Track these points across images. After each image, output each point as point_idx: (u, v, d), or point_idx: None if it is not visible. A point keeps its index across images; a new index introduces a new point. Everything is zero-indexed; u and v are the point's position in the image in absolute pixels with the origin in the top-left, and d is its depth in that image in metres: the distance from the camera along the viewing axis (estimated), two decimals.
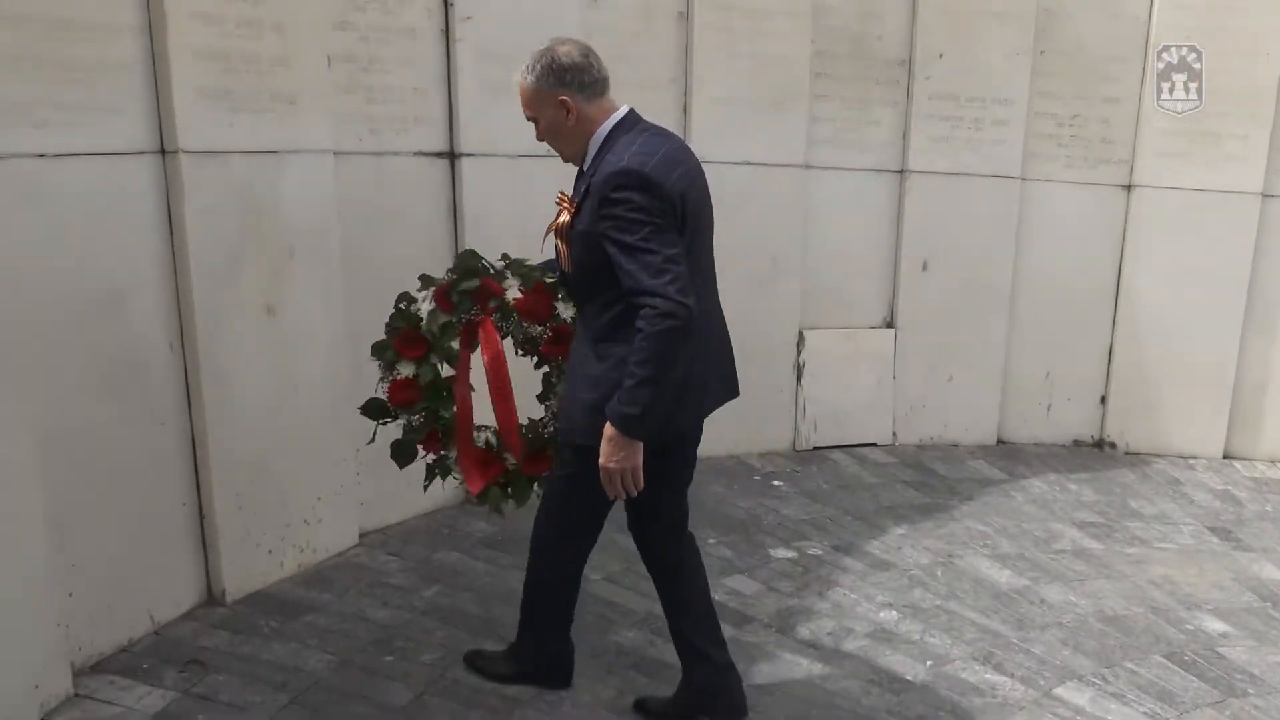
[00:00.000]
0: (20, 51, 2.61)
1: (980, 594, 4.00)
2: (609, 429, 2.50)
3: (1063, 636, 3.71)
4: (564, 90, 2.59)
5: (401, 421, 2.98)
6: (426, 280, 2.94)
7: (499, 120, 4.23)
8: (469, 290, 2.88)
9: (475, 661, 3.13)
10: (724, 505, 4.70)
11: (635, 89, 4.78)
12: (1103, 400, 5.98)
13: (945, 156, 5.50)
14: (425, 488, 3.09)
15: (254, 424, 3.37)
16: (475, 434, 3.03)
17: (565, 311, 2.98)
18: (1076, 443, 6.02)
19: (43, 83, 2.68)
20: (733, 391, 2.89)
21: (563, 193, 2.74)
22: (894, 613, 3.77)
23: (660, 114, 4.83)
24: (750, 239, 5.17)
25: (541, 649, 3.06)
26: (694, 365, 2.62)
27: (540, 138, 2.74)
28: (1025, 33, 5.45)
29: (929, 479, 5.30)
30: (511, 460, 3.02)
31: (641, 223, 2.45)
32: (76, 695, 2.81)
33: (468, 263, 2.92)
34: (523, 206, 4.34)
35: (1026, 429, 6.00)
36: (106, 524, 2.98)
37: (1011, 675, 3.41)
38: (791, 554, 4.22)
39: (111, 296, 2.94)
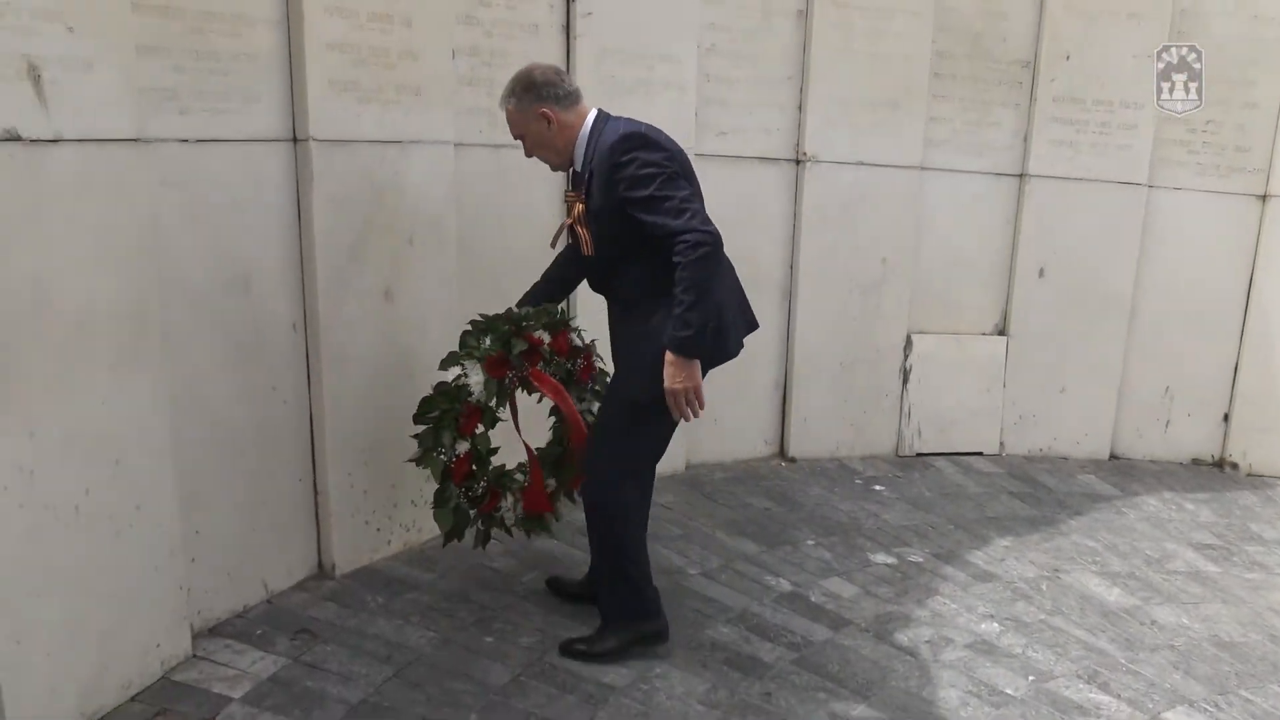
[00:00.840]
0: (169, 41, 2.75)
1: (1087, 611, 3.89)
2: (669, 356, 2.83)
3: (1174, 660, 3.59)
4: (543, 104, 2.93)
5: (455, 495, 3.20)
6: (453, 356, 3.13)
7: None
8: (523, 351, 3.17)
9: (573, 647, 3.18)
10: (824, 507, 4.66)
11: (750, 86, 4.80)
12: (1225, 418, 5.75)
13: (1068, 161, 5.35)
14: (476, 544, 3.37)
15: (369, 405, 3.48)
16: (519, 476, 3.41)
17: (579, 339, 3.38)
18: (1195, 461, 5.80)
19: (187, 71, 2.82)
20: (752, 324, 3.21)
21: (567, 191, 3.08)
22: (996, 625, 3.70)
23: (775, 111, 4.87)
24: (861, 240, 5.13)
25: (640, 611, 3.18)
26: (724, 295, 2.97)
27: (529, 153, 3.07)
28: (1159, 34, 5.25)
29: (1036, 491, 5.17)
30: (550, 482, 3.42)
31: (652, 176, 2.79)
32: (195, 656, 2.95)
33: (497, 328, 3.16)
34: None
35: (1142, 445, 5.80)
36: (228, 495, 3.12)
37: (1118, 696, 3.31)
38: (891, 560, 4.17)
39: (241, 277, 3.07)
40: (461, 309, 3.65)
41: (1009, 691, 3.27)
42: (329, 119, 3.19)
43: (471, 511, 3.24)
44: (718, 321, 2.93)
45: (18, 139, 2.23)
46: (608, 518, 3.08)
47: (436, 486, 3.17)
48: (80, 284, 2.44)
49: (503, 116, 3.39)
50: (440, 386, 3.13)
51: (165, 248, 2.77)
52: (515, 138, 3.04)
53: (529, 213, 4.10)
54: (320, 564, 3.51)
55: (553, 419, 3.50)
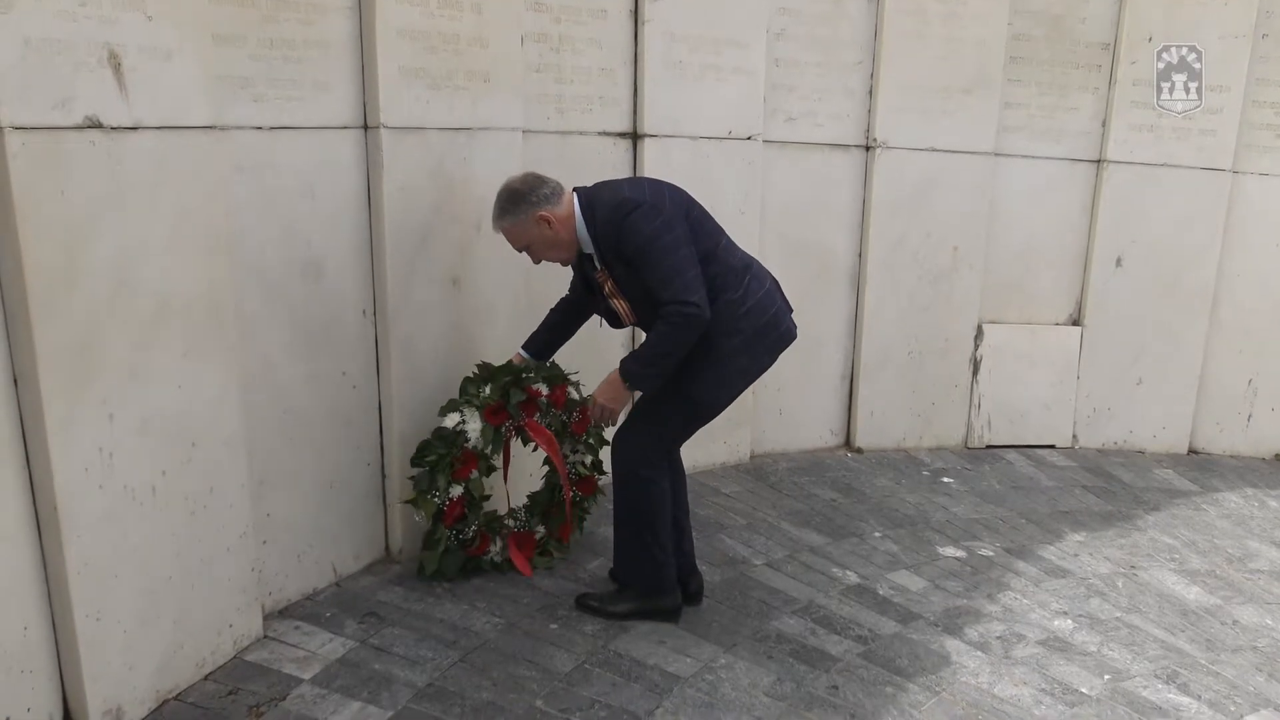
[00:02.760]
0: (244, 29, 2.78)
1: (1165, 609, 3.78)
2: (613, 375, 3.05)
3: (1257, 661, 3.47)
4: (535, 208, 2.99)
5: (445, 538, 3.36)
6: (453, 403, 3.32)
7: (682, 102, 4.27)
8: (520, 401, 3.36)
9: (587, 602, 3.33)
10: (891, 499, 4.60)
11: (820, 71, 4.74)
12: None
13: (1148, 146, 5.20)
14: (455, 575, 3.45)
15: (436, 391, 3.49)
16: (508, 521, 3.60)
17: (577, 393, 3.54)
18: (1278, 457, 5.61)
19: (262, 60, 2.84)
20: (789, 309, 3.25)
21: (593, 273, 3.13)
22: (1069, 621, 3.61)
23: (845, 97, 4.80)
24: (932, 228, 5.04)
25: (658, 587, 3.28)
26: (762, 305, 3.08)
27: (538, 259, 3.15)
28: (1246, 14, 5.08)
29: (1111, 485, 5.04)
30: (540, 529, 3.60)
31: (647, 243, 2.89)
32: (266, 637, 3.00)
33: (497, 377, 3.34)
34: (701, 188, 4.34)
35: (1222, 439, 5.63)
36: (299, 479, 3.16)
37: (1198, 698, 3.21)
38: (961, 553, 4.09)
39: (313, 263, 3.10)
40: (528, 296, 3.66)
41: (1084, 690, 3.19)
42: (399, 106, 3.20)
43: (461, 554, 3.40)
44: (764, 338, 3.11)
45: (99, 126, 2.27)
46: (637, 484, 3.16)
47: (428, 527, 3.35)
48: (158, 270, 2.48)
49: (572, 103, 3.43)
50: (439, 431, 3.30)
51: (239, 234, 2.81)
52: (520, 250, 3.12)
53: None
54: (387, 548, 3.55)
55: (546, 468, 3.65)
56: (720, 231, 3.12)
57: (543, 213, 2.99)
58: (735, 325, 3.03)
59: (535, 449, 3.57)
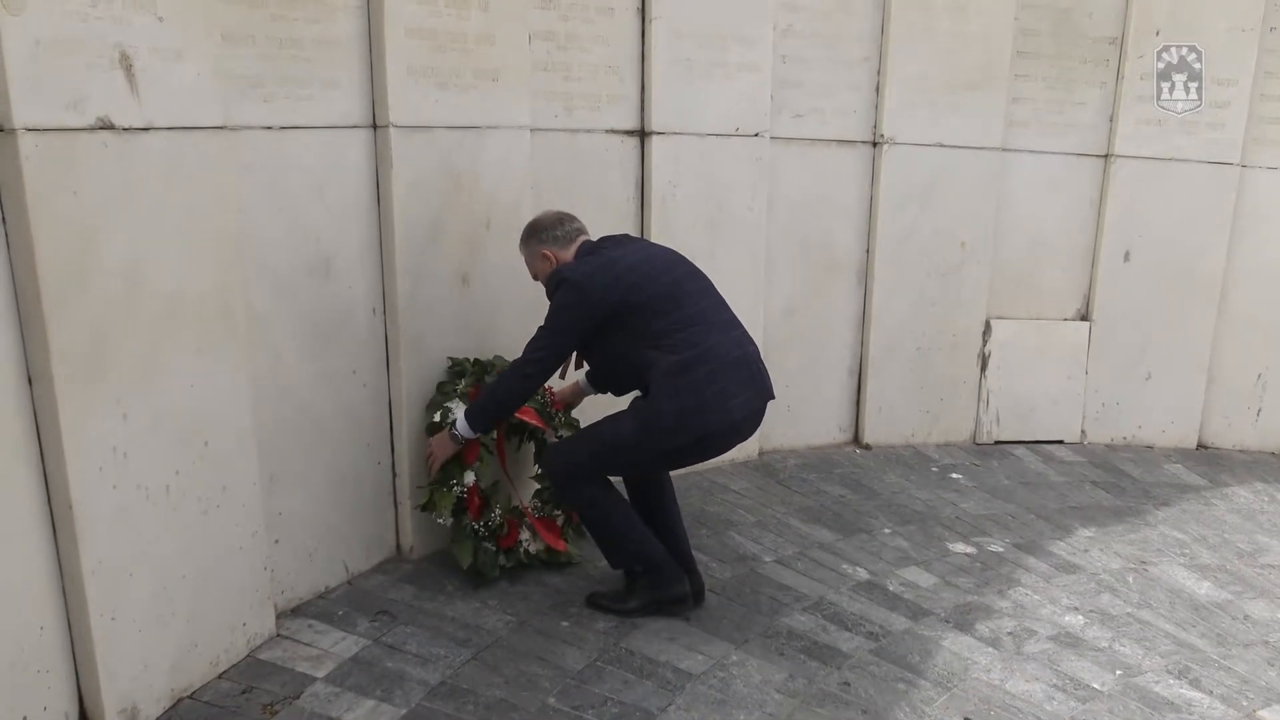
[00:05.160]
0: (254, 30, 2.78)
1: (1176, 605, 3.77)
2: (452, 430, 3.25)
3: (1269, 656, 3.47)
4: (542, 245, 3.22)
5: (478, 528, 3.35)
6: (436, 400, 3.39)
7: (689, 99, 4.28)
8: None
9: (598, 600, 3.34)
10: (900, 495, 4.60)
11: (827, 67, 4.74)
12: None
13: (1156, 140, 5.18)
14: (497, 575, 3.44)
15: None
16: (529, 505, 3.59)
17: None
18: None
19: (271, 59, 2.85)
20: (764, 394, 3.19)
21: None
22: (1080, 617, 3.61)
23: (852, 93, 4.80)
24: (939, 223, 5.03)
25: (657, 580, 3.28)
26: (710, 389, 3.02)
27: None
28: (1254, 7, 5.06)
29: (1120, 481, 5.04)
30: (558, 514, 3.60)
31: (551, 313, 3.10)
32: (279, 635, 3.00)
33: (468, 370, 3.46)
34: (709, 186, 4.37)
35: (1231, 434, 5.62)
36: (309, 477, 3.17)
37: (1210, 693, 3.21)
38: (970, 549, 4.09)
39: (322, 262, 3.10)
40: (537, 294, 3.65)
41: (1096, 686, 3.19)
42: (408, 105, 3.20)
43: (494, 548, 3.38)
44: (694, 415, 3.05)
45: (111, 127, 2.27)
46: (570, 489, 3.25)
47: (449, 522, 3.34)
48: (169, 269, 2.48)
49: (580, 100, 3.42)
50: (431, 430, 3.35)
51: (249, 233, 2.81)
52: (534, 277, 3.32)
53: (603, 197, 4.10)
54: (398, 546, 3.55)
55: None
56: (683, 324, 3.08)
57: (546, 250, 3.21)
58: (663, 408, 3.03)
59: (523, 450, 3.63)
